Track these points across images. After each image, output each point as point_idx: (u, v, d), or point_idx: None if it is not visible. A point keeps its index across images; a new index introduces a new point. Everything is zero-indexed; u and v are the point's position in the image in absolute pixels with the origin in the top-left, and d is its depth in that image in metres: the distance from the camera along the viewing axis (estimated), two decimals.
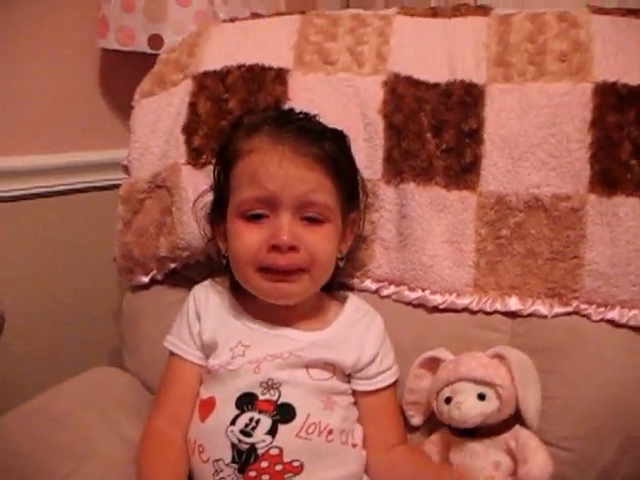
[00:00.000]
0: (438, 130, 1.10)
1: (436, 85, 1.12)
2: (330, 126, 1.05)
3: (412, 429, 1.07)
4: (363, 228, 1.10)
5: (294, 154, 0.96)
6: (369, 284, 1.13)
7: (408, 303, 1.11)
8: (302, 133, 0.98)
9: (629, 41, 1.10)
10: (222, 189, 1.04)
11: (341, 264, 1.05)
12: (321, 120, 1.06)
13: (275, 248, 0.95)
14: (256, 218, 0.98)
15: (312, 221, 0.98)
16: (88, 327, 1.48)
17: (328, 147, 0.99)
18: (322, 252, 0.98)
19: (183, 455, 0.98)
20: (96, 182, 1.48)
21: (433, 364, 1.05)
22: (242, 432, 0.93)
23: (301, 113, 1.06)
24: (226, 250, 1.03)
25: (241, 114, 1.09)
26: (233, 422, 0.94)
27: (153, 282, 1.19)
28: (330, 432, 0.96)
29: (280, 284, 0.98)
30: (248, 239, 0.98)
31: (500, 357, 1.01)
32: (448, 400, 0.99)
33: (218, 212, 1.05)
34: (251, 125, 1.02)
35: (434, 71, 1.13)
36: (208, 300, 1.06)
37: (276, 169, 0.96)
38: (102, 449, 0.98)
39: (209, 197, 1.09)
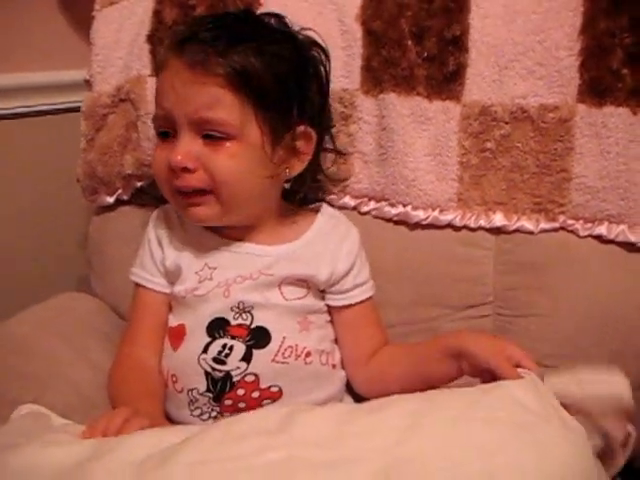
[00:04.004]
0: (419, 37, 1.04)
1: None
2: (296, 29, 0.99)
3: None
4: (334, 143, 1.04)
5: (188, 69, 0.88)
6: (348, 200, 1.08)
7: (389, 220, 1.07)
8: (210, 43, 0.89)
9: None
10: None
11: (287, 186, 0.99)
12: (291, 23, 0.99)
13: (172, 170, 0.90)
14: (165, 136, 0.92)
15: (213, 139, 0.89)
16: (55, 253, 1.41)
17: (237, 56, 0.89)
18: (224, 172, 0.89)
19: (160, 382, 0.94)
20: (60, 104, 1.38)
21: None
22: (215, 360, 0.90)
23: (241, 17, 0.99)
24: None
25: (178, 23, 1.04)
26: (205, 350, 0.91)
27: (119, 203, 1.14)
28: (308, 354, 0.93)
29: (189, 209, 0.93)
30: (158, 160, 0.93)
31: None
32: None
33: None
34: (173, 36, 0.95)
35: None
36: (169, 223, 1.01)
37: (168, 86, 0.90)
38: (69, 375, 0.93)
39: None
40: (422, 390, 0.88)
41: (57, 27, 1.39)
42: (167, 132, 0.92)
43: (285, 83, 0.93)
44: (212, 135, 0.89)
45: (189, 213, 0.93)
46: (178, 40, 0.91)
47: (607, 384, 0.77)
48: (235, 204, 0.92)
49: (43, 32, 1.37)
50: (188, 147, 0.89)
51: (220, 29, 0.91)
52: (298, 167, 0.97)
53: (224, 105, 0.88)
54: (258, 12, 1.04)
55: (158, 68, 0.95)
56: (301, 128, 0.95)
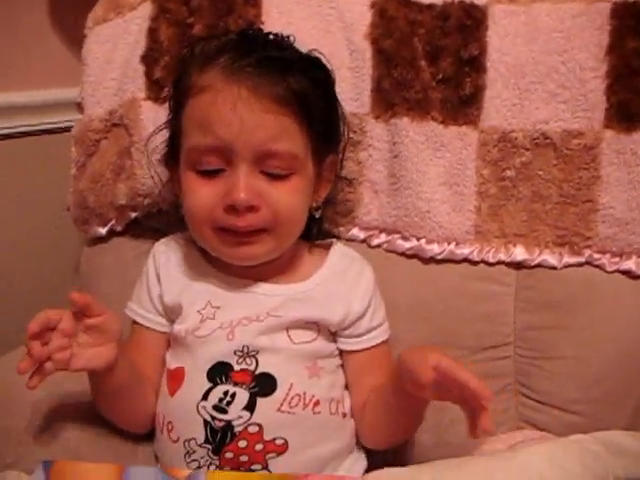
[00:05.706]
0: (434, 57, 0.98)
1: (431, 6, 1.00)
2: (306, 51, 0.93)
3: None
4: (341, 169, 0.98)
5: (251, 94, 0.82)
6: (357, 232, 1.02)
7: (401, 253, 1.00)
8: (263, 66, 0.84)
9: None
10: (175, 129, 0.92)
11: (317, 214, 0.94)
12: (296, 44, 0.93)
13: (232, 208, 0.83)
14: (211, 174, 0.85)
15: (275, 176, 0.85)
16: (44, 287, 1.34)
17: (295, 83, 0.84)
18: (288, 209, 0.86)
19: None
20: (49, 124, 1.33)
21: None
22: (215, 408, 0.84)
23: (269, 37, 0.93)
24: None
25: (197, 39, 0.94)
26: (205, 397, 0.84)
27: (113, 233, 1.06)
28: (317, 403, 0.86)
29: (241, 248, 0.86)
30: (201, 197, 0.86)
31: None
32: None
33: (173, 154, 0.92)
34: (206, 55, 0.87)
35: None
36: (169, 258, 0.94)
37: (229, 114, 0.82)
38: (52, 433, 0.87)
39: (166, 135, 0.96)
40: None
41: (48, 44, 1.34)
42: (215, 170, 0.85)
43: (331, 110, 0.92)
44: (273, 173, 0.85)
45: (239, 252, 0.87)
46: (225, 60, 0.85)
47: None
48: (289, 240, 0.90)
49: (32, 50, 1.31)
50: (251, 183, 0.83)
51: (257, 52, 0.86)
52: (323, 195, 0.94)
53: (293, 137, 0.85)
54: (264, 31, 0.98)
55: (194, 91, 0.86)
56: (334, 156, 0.93)
